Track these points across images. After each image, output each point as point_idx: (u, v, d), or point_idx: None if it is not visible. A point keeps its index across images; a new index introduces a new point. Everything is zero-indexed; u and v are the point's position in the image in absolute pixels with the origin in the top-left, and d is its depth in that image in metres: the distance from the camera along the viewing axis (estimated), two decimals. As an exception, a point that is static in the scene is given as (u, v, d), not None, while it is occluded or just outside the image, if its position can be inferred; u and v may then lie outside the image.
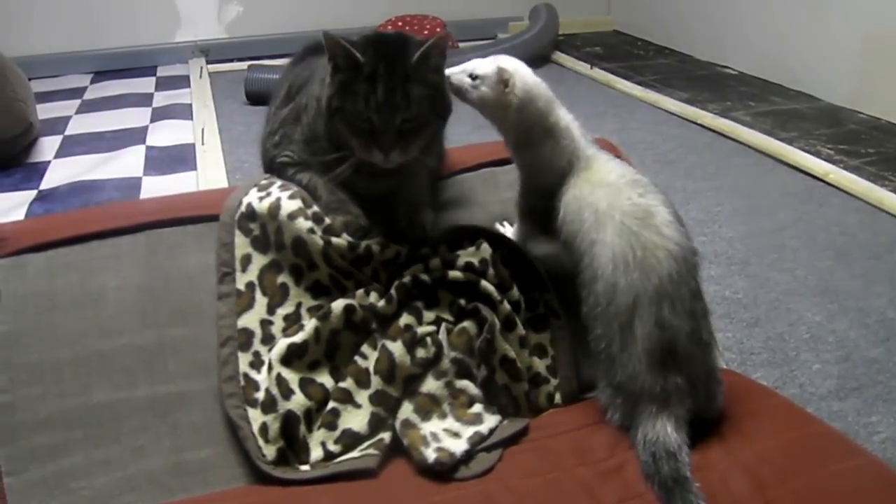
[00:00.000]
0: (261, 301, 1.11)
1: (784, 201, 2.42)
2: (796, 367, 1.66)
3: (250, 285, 1.11)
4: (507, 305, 1.15)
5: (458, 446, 1.02)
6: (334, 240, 1.12)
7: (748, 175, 2.62)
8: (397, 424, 1.06)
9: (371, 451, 1.03)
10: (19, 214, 2.20)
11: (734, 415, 1.07)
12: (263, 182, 1.19)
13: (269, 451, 1.01)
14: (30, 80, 2.93)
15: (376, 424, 1.06)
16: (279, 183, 1.19)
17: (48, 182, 2.46)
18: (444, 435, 1.04)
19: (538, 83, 1.16)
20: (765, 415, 1.08)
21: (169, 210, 1.17)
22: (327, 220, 1.14)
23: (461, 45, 3.94)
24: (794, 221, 2.28)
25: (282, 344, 1.07)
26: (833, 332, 1.78)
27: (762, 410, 1.10)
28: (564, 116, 1.16)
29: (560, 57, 4.04)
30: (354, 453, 1.04)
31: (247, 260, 1.13)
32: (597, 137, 1.51)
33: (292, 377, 1.06)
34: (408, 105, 1.07)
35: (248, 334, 1.09)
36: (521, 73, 1.15)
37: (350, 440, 1.04)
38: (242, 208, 1.15)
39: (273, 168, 1.24)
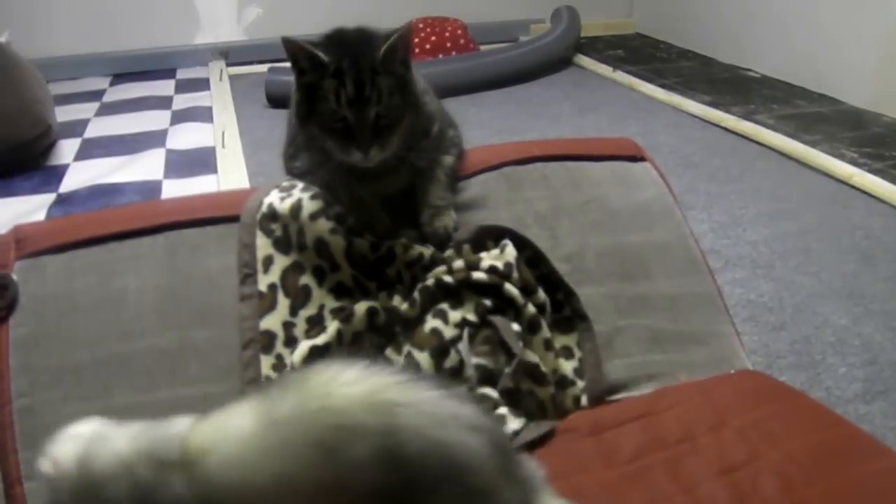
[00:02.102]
0: (283, 303, 1.10)
1: (808, 204, 2.39)
2: (822, 370, 1.64)
3: (272, 287, 1.10)
4: (531, 308, 1.13)
5: None
6: (357, 240, 1.11)
7: (772, 178, 2.60)
8: None
9: None
10: (39, 217, 2.20)
11: (762, 416, 1.05)
12: (285, 183, 1.18)
13: (291, 455, 1.00)
14: (48, 82, 2.93)
15: None
16: (301, 185, 1.18)
17: (67, 185, 2.46)
18: None
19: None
20: (793, 416, 1.07)
21: (189, 211, 1.16)
22: (350, 221, 1.13)
23: (482, 47, 3.93)
24: (818, 224, 2.26)
25: (304, 346, 1.06)
26: (859, 335, 1.75)
27: (790, 411, 1.08)
28: None
29: (582, 59, 4.02)
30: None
31: (269, 261, 1.12)
32: (622, 137, 1.51)
33: (314, 379, 1.05)
34: (379, 98, 1.05)
35: (270, 336, 1.08)
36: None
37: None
38: (264, 209, 1.14)
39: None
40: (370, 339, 1.09)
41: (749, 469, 0.96)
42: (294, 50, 1.05)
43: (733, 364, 1.23)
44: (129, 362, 1.03)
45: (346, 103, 1.04)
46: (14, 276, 1.05)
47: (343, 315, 1.09)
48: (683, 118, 3.18)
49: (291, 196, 1.15)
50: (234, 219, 1.15)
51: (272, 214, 1.14)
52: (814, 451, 0.99)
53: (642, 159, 1.40)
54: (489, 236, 1.18)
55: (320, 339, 1.07)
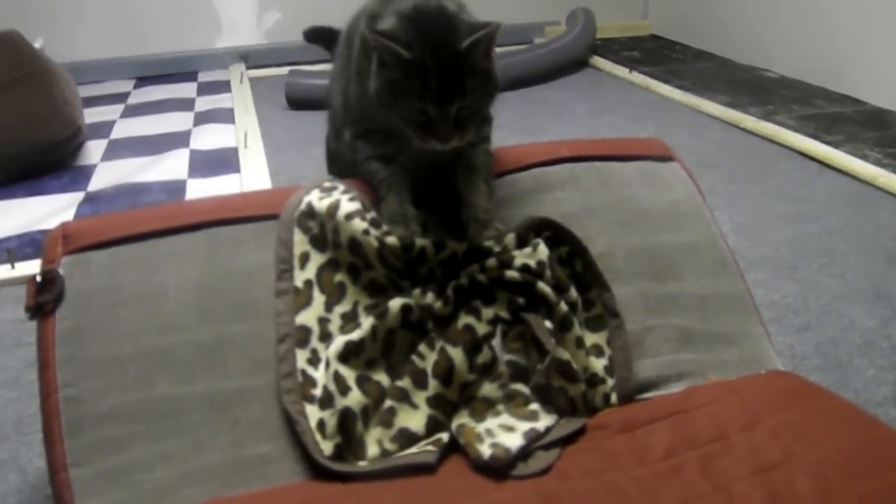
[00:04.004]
0: (318, 299, 1.12)
1: (831, 205, 2.38)
2: (850, 372, 1.63)
3: (308, 283, 1.12)
4: (564, 306, 1.14)
5: (514, 441, 1.02)
6: (388, 240, 1.13)
7: (793, 179, 2.59)
8: (453, 426, 1.06)
9: (429, 447, 1.03)
10: (68, 215, 2.23)
11: (795, 417, 1.06)
12: (327, 184, 1.20)
13: (327, 447, 1.02)
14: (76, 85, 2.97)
15: (433, 426, 1.06)
16: (342, 187, 1.20)
17: (95, 184, 2.49)
18: (500, 430, 1.04)
19: None
20: (827, 417, 1.06)
21: (228, 209, 1.19)
22: (384, 227, 1.14)
23: (497, 49, 3.93)
24: (842, 226, 2.25)
25: (339, 341, 1.08)
26: (887, 337, 1.74)
27: (824, 412, 1.08)
28: None
29: (598, 61, 4.02)
30: (412, 449, 1.04)
31: (305, 258, 1.14)
32: (651, 137, 1.51)
33: (349, 374, 1.07)
34: (462, 94, 1.08)
35: (305, 331, 1.09)
36: None
37: (406, 439, 1.05)
38: (303, 206, 1.16)
39: (357, 167, 1.25)
40: (403, 336, 1.11)
41: (784, 469, 0.96)
42: (376, 43, 1.08)
43: (764, 364, 1.24)
44: (169, 355, 1.06)
45: (429, 100, 1.07)
46: (61, 271, 1.07)
47: (377, 312, 1.10)
48: (702, 119, 3.18)
49: (331, 196, 1.17)
50: (271, 217, 1.17)
51: (310, 212, 1.16)
52: (850, 453, 0.98)
53: (671, 159, 1.41)
54: (533, 228, 1.19)
55: (355, 335, 1.08)
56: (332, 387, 1.05)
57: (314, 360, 1.08)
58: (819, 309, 1.85)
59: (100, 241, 1.11)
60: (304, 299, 1.11)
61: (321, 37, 1.75)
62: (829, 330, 1.77)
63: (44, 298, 1.06)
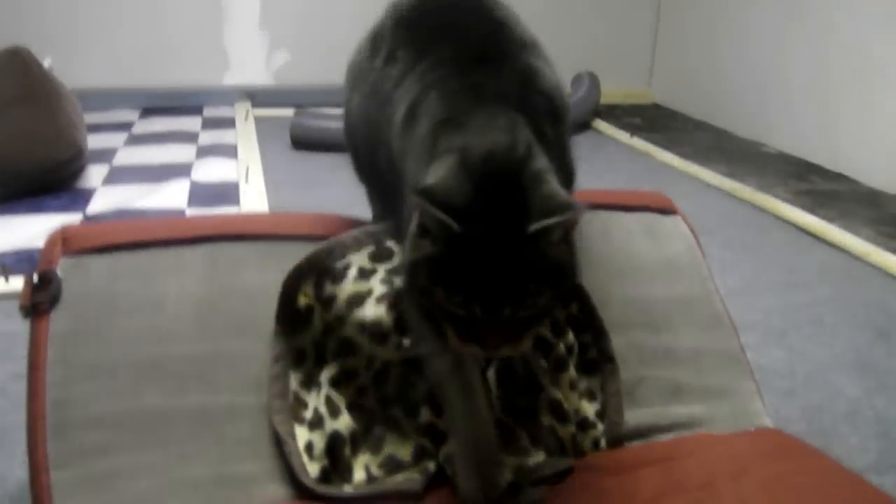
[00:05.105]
0: (318, 324, 1.11)
1: (823, 277, 2.41)
2: (834, 438, 1.63)
3: (309, 307, 1.11)
4: (561, 348, 1.14)
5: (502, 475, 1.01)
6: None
7: (787, 250, 2.62)
8: (441, 455, 1.06)
9: (415, 475, 1.02)
10: (65, 235, 2.22)
11: (784, 471, 1.06)
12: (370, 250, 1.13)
13: (313, 469, 1.01)
14: (81, 111, 3.00)
15: (421, 454, 1.05)
16: (382, 273, 1.10)
17: (94, 207, 2.50)
18: None
19: None
20: (816, 473, 1.08)
21: (232, 227, 1.19)
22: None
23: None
24: (832, 297, 2.27)
25: (333, 366, 1.08)
26: (872, 407, 1.75)
27: (813, 469, 1.09)
28: None
29: (600, 125, 4.08)
30: (398, 477, 1.03)
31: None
32: (653, 190, 1.53)
33: (340, 399, 1.06)
34: (522, 294, 0.82)
35: (301, 353, 1.09)
36: None
37: (394, 466, 1.04)
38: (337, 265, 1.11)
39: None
40: (397, 367, 1.10)
41: None
42: (419, 206, 0.82)
43: (754, 420, 1.25)
44: (161, 366, 1.05)
45: (477, 295, 0.81)
46: (58, 273, 1.07)
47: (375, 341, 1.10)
48: (699, 186, 3.22)
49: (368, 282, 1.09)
50: (275, 238, 1.17)
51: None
52: None
53: (674, 213, 1.42)
54: None
55: (350, 362, 1.08)
56: (323, 410, 1.04)
57: (307, 383, 1.08)
58: (805, 375, 1.86)
59: (101, 245, 1.10)
60: (302, 322, 1.11)
61: None
62: (814, 396, 1.78)
63: (39, 298, 1.05)
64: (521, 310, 0.82)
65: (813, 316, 2.15)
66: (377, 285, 1.08)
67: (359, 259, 1.11)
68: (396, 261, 1.10)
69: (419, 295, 0.85)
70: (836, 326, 2.11)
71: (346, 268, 1.10)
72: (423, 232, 0.83)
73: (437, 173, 0.85)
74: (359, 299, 1.07)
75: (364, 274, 1.10)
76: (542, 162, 0.87)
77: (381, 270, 1.10)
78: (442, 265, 0.82)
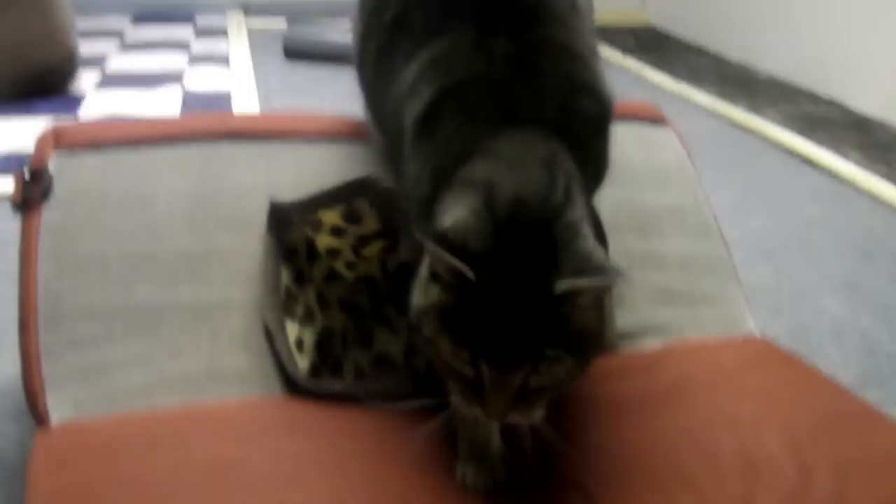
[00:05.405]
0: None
1: (811, 199, 2.42)
2: (819, 356, 1.65)
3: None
4: None
5: None
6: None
7: (776, 172, 2.63)
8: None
9: (405, 379, 1.03)
10: (55, 139, 2.21)
11: (769, 381, 1.09)
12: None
13: (303, 363, 1.02)
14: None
15: (412, 352, 1.07)
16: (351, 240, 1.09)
17: (86, 112, 2.48)
18: None
19: None
20: (800, 384, 1.10)
21: (226, 126, 1.18)
22: None
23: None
24: (820, 219, 2.28)
25: (325, 262, 1.09)
26: (856, 325, 1.78)
27: (797, 379, 1.11)
28: None
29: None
30: (388, 379, 1.04)
31: None
32: (645, 101, 1.53)
33: (332, 295, 1.07)
34: (537, 359, 0.72)
35: (292, 249, 1.10)
36: None
37: (385, 365, 1.06)
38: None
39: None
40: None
41: (754, 427, 0.98)
42: (435, 259, 0.74)
43: (740, 325, 1.27)
44: (153, 259, 1.05)
45: (486, 354, 0.73)
46: (50, 168, 1.07)
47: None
48: (690, 108, 3.20)
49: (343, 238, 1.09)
50: (268, 138, 1.17)
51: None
52: (822, 419, 1.01)
53: (664, 124, 1.42)
54: None
55: (338, 263, 1.10)
56: (315, 305, 1.05)
57: (299, 279, 1.09)
58: (792, 294, 1.88)
59: (93, 141, 1.10)
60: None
61: None
62: (800, 314, 1.80)
63: (30, 193, 1.04)
64: (535, 376, 0.73)
65: (800, 237, 2.17)
66: (347, 250, 1.09)
67: (331, 217, 1.09)
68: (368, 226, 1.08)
69: (424, 343, 0.79)
70: (823, 247, 2.13)
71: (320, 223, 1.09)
72: (434, 277, 0.76)
73: (455, 213, 0.76)
74: (334, 252, 1.09)
75: (337, 232, 1.09)
76: (579, 210, 0.78)
77: (351, 235, 1.08)
78: (451, 315, 0.74)
